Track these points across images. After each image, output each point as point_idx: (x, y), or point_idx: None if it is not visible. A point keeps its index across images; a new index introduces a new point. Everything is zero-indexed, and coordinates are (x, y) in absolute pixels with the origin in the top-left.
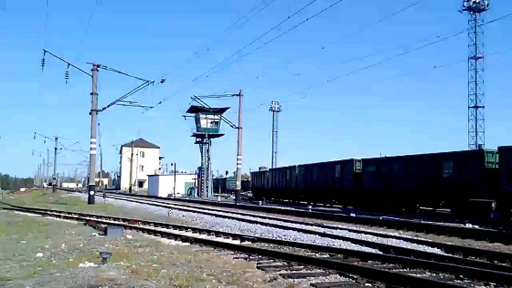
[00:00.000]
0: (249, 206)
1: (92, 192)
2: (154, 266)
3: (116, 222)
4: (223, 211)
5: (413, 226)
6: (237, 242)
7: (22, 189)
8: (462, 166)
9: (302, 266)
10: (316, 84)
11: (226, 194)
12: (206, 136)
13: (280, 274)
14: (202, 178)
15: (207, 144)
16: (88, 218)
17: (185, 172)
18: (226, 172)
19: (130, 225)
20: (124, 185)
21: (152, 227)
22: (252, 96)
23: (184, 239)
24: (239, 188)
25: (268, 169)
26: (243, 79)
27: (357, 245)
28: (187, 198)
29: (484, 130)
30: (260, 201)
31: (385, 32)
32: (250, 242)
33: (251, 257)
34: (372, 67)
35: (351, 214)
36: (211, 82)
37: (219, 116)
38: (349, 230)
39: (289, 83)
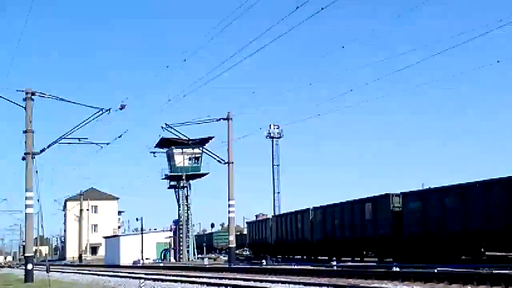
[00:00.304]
0: (249, 269)
1: (30, 266)
2: None
3: None
4: (216, 278)
5: (486, 279)
6: None
7: None
8: None
9: None
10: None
11: (213, 255)
12: (184, 177)
13: None
14: (181, 236)
15: (185, 189)
16: None
17: (155, 230)
18: (212, 225)
19: None
20: (71, 253)
21: None
22: (240, 122)
23: None
24: (234, 245)
25: (270, 216)
26: (231, 99)
27: None
28: (161, 264)
29: None
30: (263, 260)
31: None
32: None
33: None
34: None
35: (395, 269)
36: (188, 106)
37: (201, 149)
38: None
39: (291, 101)
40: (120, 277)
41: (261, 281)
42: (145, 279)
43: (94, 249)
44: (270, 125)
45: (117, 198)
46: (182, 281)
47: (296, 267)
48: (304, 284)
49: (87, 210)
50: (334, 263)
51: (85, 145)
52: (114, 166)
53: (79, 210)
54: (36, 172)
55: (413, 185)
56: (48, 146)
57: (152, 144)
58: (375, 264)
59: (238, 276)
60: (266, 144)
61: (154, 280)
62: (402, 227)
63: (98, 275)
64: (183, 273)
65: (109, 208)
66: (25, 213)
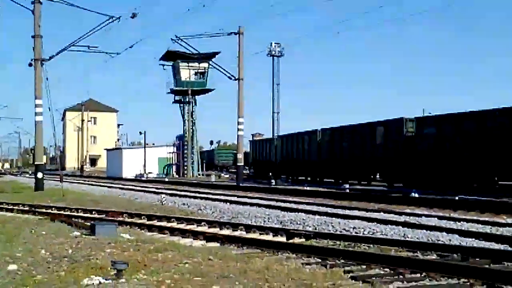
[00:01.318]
0: (259, 188)
1: (40, 175)
2: (197, 281)
3: (91, 215)
4: (230, 195)
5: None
6: (282, 239)
7: None
8: None
9: (419, 275)
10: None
11: (214, 172)
12: (189, 92)
13: None
14: (185, 151)
15: (190, 104)
16: (49, 211)
17: (154, 145)
18: (211, 143)
19: (119, 219)
20: (70, 164)
21: (154, 222)
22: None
23: (209, 237)
24: (242, 164)
25: (276, 136)
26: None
27: (465, 238)
28: (166, 179)
29: None
30: (273, 180)
31: None
32: (303, 239)
33: (328, 262)
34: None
35: (413, 194)
36: (200, 22)
37: (209, 63)
38: (426, 216)
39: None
40: (131, 190)
41: (276, 200)
42: (163, 194)
43: (93, 161)
44: (271, 43)
45: (117, 111)
46: (197, 197)
47: (308, 188)
48: (334, 206)
49: (89, 121)
50: (347, 186)
51: (92, 55)
52: (117, 78)
53: (78, 120)
54: (47, 79)
55: (411, 113)
56: (57, 53)
57: (160, 57)
58: (386, 189)
59: (257, 195)
60: (265, 63)
61: (170, 195)
62: (415, 153)
63: (109, 187)
64: (196, 190)
65: (108, 120)
66: (35, 121)
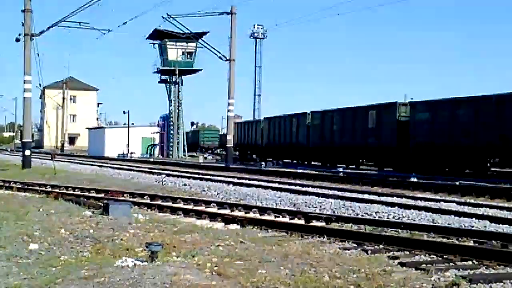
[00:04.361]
0: (248, 170)
1: (28, 152)
2: (240, 265)
3: (91, 194)
4: (230, 177)
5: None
6: (301, 222)
7: None
8: None
9: (471, 262)
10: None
11: (198, 153)
12: (176, 72)
13: (462, 277)
14: (171, 132)
15: (177, 84)
16: (45, 189)
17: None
18: (192, 124)
19: (122, 199)
20: (49, 142)
21: (163, 203)
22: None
23: (228, 219)
24: (231, 145)
25: (262, 118)
26: None
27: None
28: (151, 159)
29: None
30: (262, 163)
31: None
32: (323, 223)
33: (365, 247)
34: None
35: (412, 179)
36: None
37: (196, 43)
38: (435, 201)
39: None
40: (123, 169)
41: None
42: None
43: (72, 139)
44: (254, 25)
45: (97, 89)
46: (195, 178)
47: (299, 171)
48: (339, 190)
49: (71, 99)
50: (341, 169)
51: (76, 32)
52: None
53: (59, 98)
54: (38, 54)
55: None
56: (48, 28)
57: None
58: (376, 172)
59: (247, 176)
60: (247, 45)
61: (168, 176)
62: (408, 137)
63: (99, 166)
64: (189, 170)
65: (88, 99)
66: (23, 97)
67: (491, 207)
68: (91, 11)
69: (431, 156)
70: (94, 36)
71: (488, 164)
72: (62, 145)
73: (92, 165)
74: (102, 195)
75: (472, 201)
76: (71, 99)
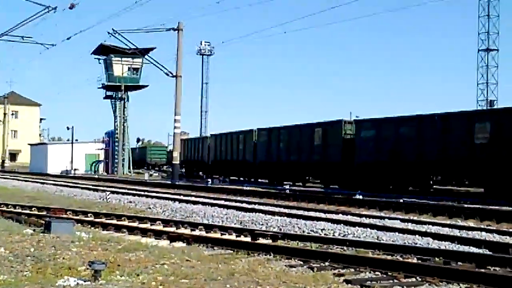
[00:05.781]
0: (198, 187)
1: None
2: (185, 284)
3: (32, 212)
4: (177, 194)
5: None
6: (247, 239)
7: None
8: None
9: (414, 279)
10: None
11: (144, 170)
12: (122, 88)
13: None
14: (116, 148)
15: (122, 100)
16: None
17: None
18: (138, 140)
19: (64, 216)
20: None
21: (107, 220)
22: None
23: (173, 237)
24: (177, 162)
25: (209, 135)
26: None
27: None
28: (96, 176)
29: (498, 81)
30: (209, 180)
31: None
32: (269, 240)
33: (311, 264)
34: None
35: (358, 196)
36: (140, 18)
37: (145, 57)
38: (380, 218)
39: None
40: (65, 186)
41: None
42: (106, 191)
43: (13, 156)
44: (201, 42)
45: (40, 105)
46: (142, 195)
47: (246, 187)
48: (285, 207)
49: (12, 115)
50: (287, 186)
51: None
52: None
53: (2, 114)
54: None
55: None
56: None
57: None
58: (322, 189)
59: (194, 193)
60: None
61: (113, 193)
62: (354, 155)
63: (42, 183)
64: (136, 187)
65: (31, 114)
66: None
67: (433, 224)
68: (34, 26)
69: (376, 173)
70: (38, 50)
71: (431, 182)
72: (3, 162)
73: (34, 182)
74: (44, 212)
75: (415, 218)
76: (12, 114)
